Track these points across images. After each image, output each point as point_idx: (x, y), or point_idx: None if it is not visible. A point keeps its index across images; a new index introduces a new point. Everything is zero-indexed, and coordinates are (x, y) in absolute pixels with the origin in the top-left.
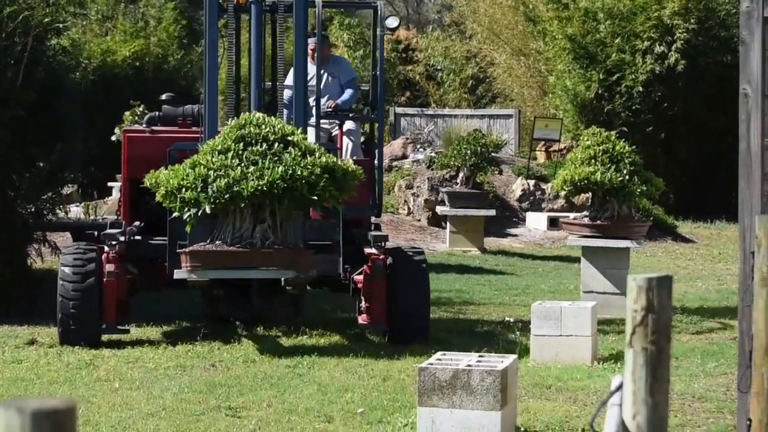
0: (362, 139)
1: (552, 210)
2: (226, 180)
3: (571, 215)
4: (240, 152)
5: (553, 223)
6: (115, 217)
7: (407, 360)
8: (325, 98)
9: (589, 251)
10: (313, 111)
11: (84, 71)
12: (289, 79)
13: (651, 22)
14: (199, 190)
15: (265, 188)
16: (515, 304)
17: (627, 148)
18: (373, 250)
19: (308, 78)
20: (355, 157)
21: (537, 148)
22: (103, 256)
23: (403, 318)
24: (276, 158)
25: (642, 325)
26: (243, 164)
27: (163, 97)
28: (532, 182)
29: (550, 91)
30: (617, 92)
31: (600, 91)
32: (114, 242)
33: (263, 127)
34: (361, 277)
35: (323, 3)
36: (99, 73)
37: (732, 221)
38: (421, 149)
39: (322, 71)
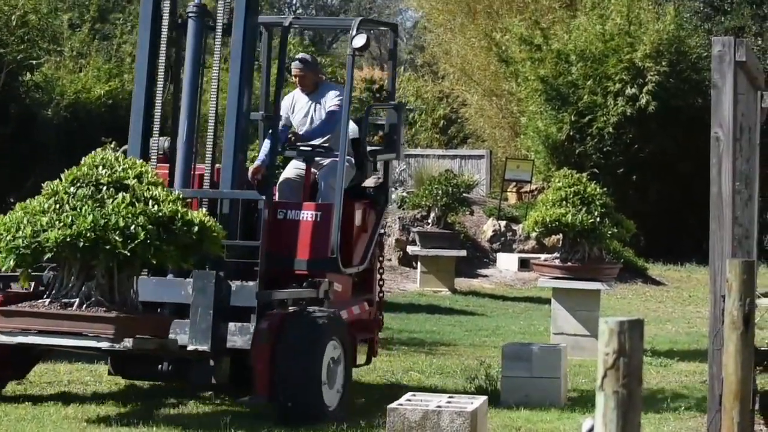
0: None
1: (523, 251)
2: (32, 228)
3: (542, 256)
4: (65, 197)
5: (524, 264)
6: None
7: (374, 402)
8: (305, 129)
9: (559, 292)
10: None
11: (57, 108)
12: (282, 110)
13: (623, 65)
14: (8, 238)
15: (69, 239)
16: (486, 345)
17: (598, 190)
18: (273, 311)
19: (292, 109)
20: (321, 201)
21: (508, 189)
22: None
23: (280, 391)
24: (98, 204)
25: (613, 368)
26: (64, 210)
27: None
28: (503, 223)
29: (521, 132)
30: (589, 134)
31: (571, 133)
32: None
33: (100, 168)
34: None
35: (299, 24)
36: (72, 109)
37: (703, 264)
38: (392, 189)
39: (309, 101)
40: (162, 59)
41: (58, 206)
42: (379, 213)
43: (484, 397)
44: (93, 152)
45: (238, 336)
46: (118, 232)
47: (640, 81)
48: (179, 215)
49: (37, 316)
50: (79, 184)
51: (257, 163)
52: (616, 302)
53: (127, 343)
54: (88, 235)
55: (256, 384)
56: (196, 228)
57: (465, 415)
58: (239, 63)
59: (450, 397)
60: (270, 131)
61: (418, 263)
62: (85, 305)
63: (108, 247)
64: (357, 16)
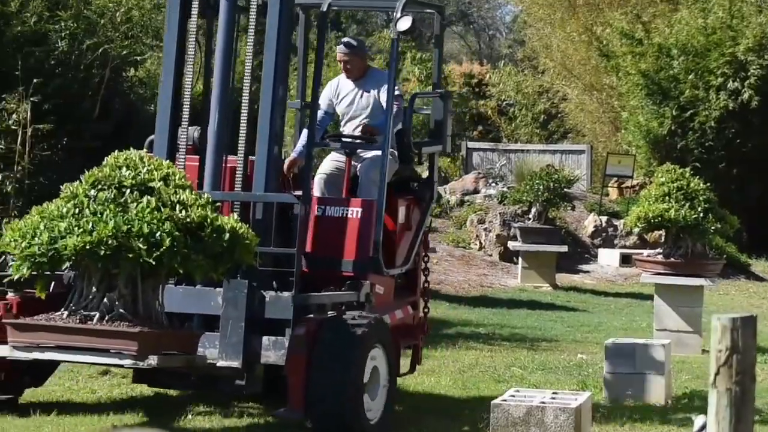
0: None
1: (624, 247)
2: (49, 234)
3: (645, 252)
4: (85, 200)
5: (626, 260)
6: None
7: (479, 397)
8: (357, 120)
9: (662, 289)
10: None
11: None
12: (323, 98)
13: (725, 59)
14: (24, 244)
15: (89, 246)
16: (588, 341)
17: (701, 185)
18: (309, 316)
19: (337, 96)
20: (363, 197)
21: (609, 185)
22: None
23: (317, 404)
24: (121, 209)
25: (726, 365)
26: (84, 215)
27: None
28: (604, 218)
29: (622, 127)
30: (690, 128)
31: (673, 128)
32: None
33: (124, 169)
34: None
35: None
36: None
37: None
38: (493, 184)
39: (355, 87)
40: (192, 43)
41: (77, 211)
42: (425, 209)
43: (588, 393)
44: (116, 151)
45: (272, 351)
46: (142, 239)
47: (742, 75)
48: (208, 221)
49: (55, 330)
50: (100, 187)
51: (294, 155)
52: (719, 299)
53: (152, 360)
54: (110, 242)
55: (291, 398)
56: (226, 235)
57: (569, 412)
58: (275, 48)
59: (554, 393)
60: (308, 121)
61: (519, 258)
62: (106, 318)
63: (131, 255)
64: None
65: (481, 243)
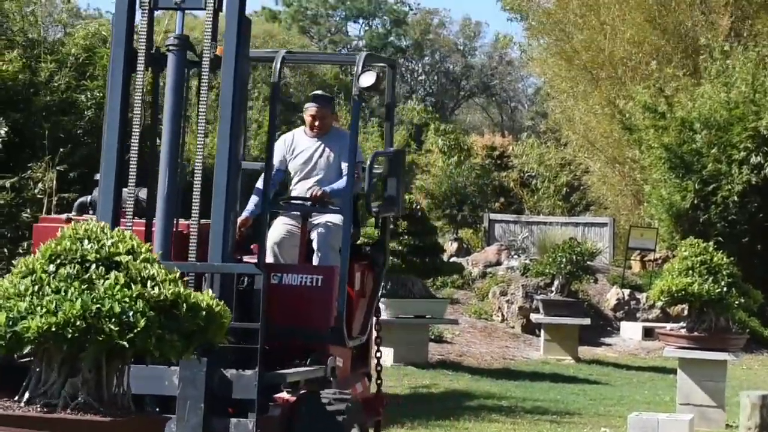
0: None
1: (647, 320)
2: (8, 314)
3: (668, 326)
4: (45, 276)
5: (648, 333)
6: None
7: None
8: (311, 180)
9: (685, 363)
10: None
11: None
12: (276, 153)
13: (747, 133)
14: None
15: (56, 328)
16: (610, 415)
17: (725, 259)
18: (283, 394)
19: (291, 152)
20: (320, 264)
21: (632, 258)
22: None
23: None
24: (87, 286)
25: None
26: (43, 293)
27: (97, 176)
28: (627, 291)
29: (645, 200)
30: (713, 202)
31: (696, 201)
32: None
33: (86, 242)
34: None
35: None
36: None
37: None
38: (516, 256)
39: (314, 144)
40: (138, 99)
41: (36, 288)
42: (378, 275)
43: None
44: (72, 222)
45: None
46: (113, 320)
47: (765, 149)
48: (182, 298)
49: (15, 422)
50: (59, 262)
51: (245, 214)
52: (742, 373)
53: None
54: (78, 323)
55: None
56: (203, 313)
57: None
58: (230, 104)
59: None
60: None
61: (542, 331)
62: (70, 407)
63: (102, 337)
64: (362, 51)
65: (503, 315)
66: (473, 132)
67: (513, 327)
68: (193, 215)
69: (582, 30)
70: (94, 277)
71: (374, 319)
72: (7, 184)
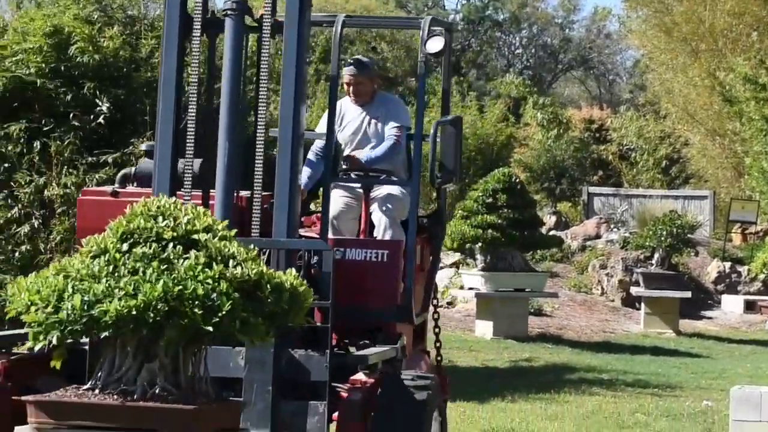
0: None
1: (748, 293)
2: (83, 297)
3: None
4: (119, 256)
5: (750, 307)
6: None
7: None
8: (364, 151)
9: None
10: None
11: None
12: (321, 126)
13: None
14: (49, 310)
15: (136, 311)
16: (712, 388)
17: None
18: (360, 376)
19: (339, 122)
20: (386, 238)
21: (733, 230)
22: None
23: None
24: (166, 266)
25: None
26: (118, 273)
27: (143, 147)
28: (728, 264)
29: (746, 172)
30: None
31: None
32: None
33: (160, 219)
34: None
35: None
36: None
37: None
38: (615, 229)
39: (361, 113)
40: (194, 65)
41: (111, 269)
42: (436, 248)
43: None
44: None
45: (307, 418)
46: (197, 303)
47: None
48: (266, 278)
49: (89, 409)
50: (133, 240)
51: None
52: None
53: None
54: (159, 306)
55: None
56: (287, 294)
57: None
58: (294, 69)
59: None
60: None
61: (642, 304)
62: (149, 394)
63: (184, 321)
64: (428, 16)
65: (603, 288)
66: (571, 105)
67: (613, 300)
68: (255, 187)
69: (682, 1)
70: (171, 256)
71: (432, 294)
72: (110, 160)
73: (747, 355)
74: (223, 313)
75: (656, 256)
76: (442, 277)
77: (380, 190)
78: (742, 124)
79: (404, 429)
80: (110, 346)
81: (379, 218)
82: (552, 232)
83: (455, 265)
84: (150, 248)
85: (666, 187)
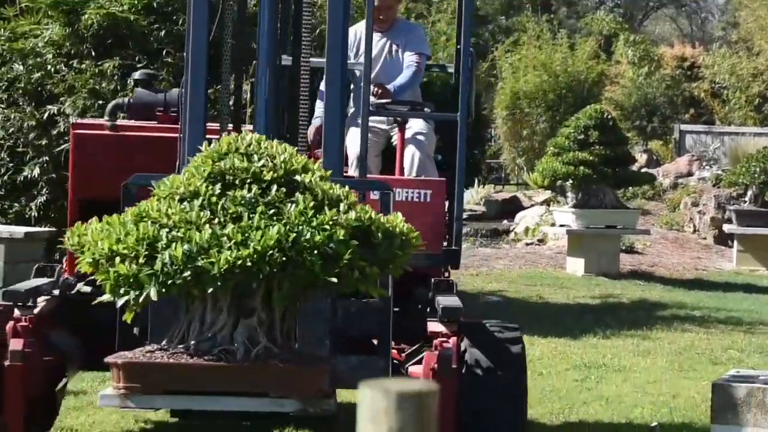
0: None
1: None
2: (185, 247)
3: None
4: (215, 199)
5: None
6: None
7: (696, 378)
8: (384, 81)
9: None
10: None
11: None
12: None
13: None
14: (141, 261)
15: (250, 262)
16: None
17: None
18: (441, 328)
19: (356, 51)
20: (423, 176)
21: None
22: (8, 327)
23: None
24: (273, 211)
25: None
26: (218, 219)
27: (137, 75)
28: None
29: None
30: None
31: None
32: (26, 303)
33: (255, 158)
34: (419, 370)
35: None
36: None
37: None
38: (707, 167)
39: (380, 38)
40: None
41: (209, 214)
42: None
43: None
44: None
45: (368, 373)
46: (315, 252)
47: None
48: (377, 224)
49: (190, 371)
50: (226, 182)
51: (316, 121)
52: None
53: (332, 403)
54: (275, 256)
55: None
56: (398, 240)
57: None
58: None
59: None
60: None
61: (734, 242)
62: (253, 353)
63: (302, 272)
64: None
65: (695, 226)
66: (663, 43)
67: (705, 238)
68: (301, 127)
69: None
70: (275, 200)
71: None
72: None
73: None
74: (344, 261)
75: (749, 193)
76: (533, 215)
77: (410, 125)
78: None
79: (505, 388)
80: (199, 303)
81: (412, 154)
82: (643, 170)
83: (546, 202)
84: (250, 191)
85: (759, 124)
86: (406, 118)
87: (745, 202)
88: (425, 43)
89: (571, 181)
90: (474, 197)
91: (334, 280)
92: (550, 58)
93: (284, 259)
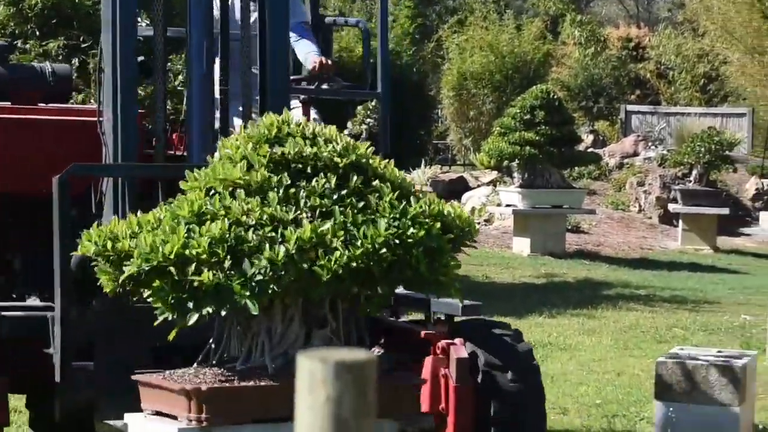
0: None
1: None
2: (282, 248)
3: None
4: (292, 191)
5: None
6: None
7: (640, 356)
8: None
9: None
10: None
11: None
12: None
13: None
14: (226, 269)
15: (362, 263)
16: (750, 303)
17: None
18: (432, 330)
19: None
20: None
21: None
22: None
23: None
24: (363, 204)
25: None
26: (305, 215)
27: None
28: (766, 181)
29: None
30: None
31: None
32: None
33: (320, 142)
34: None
35: None
36: None
37: None
38: (653, 147)
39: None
40: None
41: (293, 209)
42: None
43: (754, 352)
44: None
45: None
46: (421, 248)
47: None
48: (446, 214)
49: (284, 395)
50: (293, 170)
51: (319, 56)
52: None
53: (428, 421)
54: (385, 256)
55: None
56: (467, 229)
57: (734, 370)
58: None
59: (718, 351)
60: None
61: (679, 221)
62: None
63: (408, 272)
64: None
65: (640, 206)
66: (609, 24)
67: (650, 217)
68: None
69: None
70: (358, 190)
71: None
72: None
73: None
74: (445, 257)
75: (694, 172)
76: (479, 195)
77: (297, 104)
78: None
79: (525, 392)
80: (261, 313)
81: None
82: (589, 150)
83: (493, 182)
84: (330, 181)
85: (704, 104)
86: (319, 96)
87: (690, 181)
88: (301, 6)
89: (517, 161)
90: (421, 178)
91: (443, 279)
92: (496, 39)
93: (394, 258)
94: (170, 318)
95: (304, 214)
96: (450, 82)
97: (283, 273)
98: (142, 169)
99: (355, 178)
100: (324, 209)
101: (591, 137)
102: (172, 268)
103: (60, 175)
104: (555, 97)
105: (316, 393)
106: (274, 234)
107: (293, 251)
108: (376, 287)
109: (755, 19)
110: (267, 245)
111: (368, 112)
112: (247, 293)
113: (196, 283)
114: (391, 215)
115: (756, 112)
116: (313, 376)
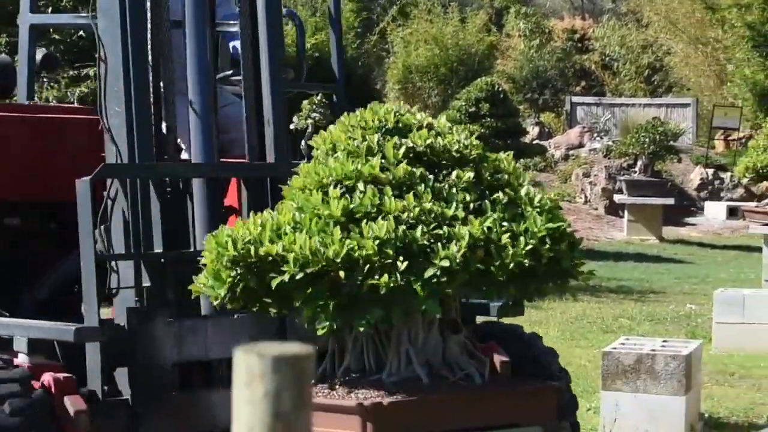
0: None
1: (731, 199)
2: (455, 246)
3: (753, 204)
4: (439, 186)
5: (732, 213)
6: None
7: (587, 347)
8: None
9: None
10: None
11: None
12: None
13: None
14: (399, 270)
15: (531, 261)
16: (696, 293)
17: None
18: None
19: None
20: None
21: (715, 137)
22: None
23: None
24: (506, 199)
25: None
26: (456, 212)
27: None
28: (710, 171)
29: (728, 79)
30: None
31: None
32: None
33: (432, 134)
34: None
35: None
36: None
37: None
38: (598, 138)
39: None
40: None
41: (444, 204)
42: None
43: (699, 341)
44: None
45: None
46: (561, 248)
47: None
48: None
49: (447, 406)
50: (425, 163)
51: None
52: None
53: (566, 427)
54: (544, 252)
55: None
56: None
57: (680, 359)
58: None
59: (664, 341)
60: None
61: (625, 212)
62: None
63: (557, 269)
64: None
65: (586, 197)
66: (553, 16)
67: (596, 208)
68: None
69: None
70: (491, 183)
71: None
72: (91, 73)
73: (729, 260)
74: (577, 251)
75: (639, 163)
76: None
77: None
78: (724, 32)
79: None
80: (406, 319)
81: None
82: (535, 142)
83: None
84: (463, 175)
85: (648, 95)
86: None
87: (635, 172)
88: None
89: None
90: None
91: (585, 273)
92: (441, 32)
93: (551, 254)
94: (333, 327)
95: (459, 210)
96: (395, 76)
97: (459, 273)
98: (179, 169)
99: (487, 172)
100: (476, 205)
101: (536, 129)
102: (341, 273)
103: (90, 176)
104: (500, 89)
105: (254, 387)
106: (440, 231)
107: (466, 250)
108: (532, 286)
109: (698, 10)
110: (439, 244)
111: (313, 107)
112: (428, 295)
113: (365, 288)
114: (532, 210)
115: (700, 103)
116: (251, 370)
